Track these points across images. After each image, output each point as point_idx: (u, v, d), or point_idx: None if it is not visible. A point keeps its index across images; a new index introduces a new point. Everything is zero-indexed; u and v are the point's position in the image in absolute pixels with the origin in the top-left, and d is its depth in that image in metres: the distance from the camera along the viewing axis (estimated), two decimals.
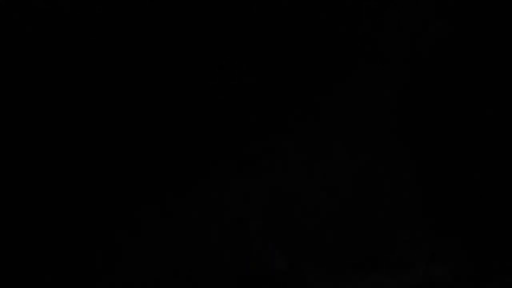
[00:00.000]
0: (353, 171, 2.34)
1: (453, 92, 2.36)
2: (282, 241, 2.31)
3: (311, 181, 2.33)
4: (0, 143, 2.29)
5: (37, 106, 2.29)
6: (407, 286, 2.30)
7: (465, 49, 2.39)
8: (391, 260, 2.31)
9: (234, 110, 2.33)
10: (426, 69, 2.37)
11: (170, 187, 2.31)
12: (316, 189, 2.32)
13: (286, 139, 2.35)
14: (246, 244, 2.29)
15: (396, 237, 2.31)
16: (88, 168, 2.30)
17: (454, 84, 2.37)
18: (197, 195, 2.31)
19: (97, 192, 2.29)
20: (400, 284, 2.30)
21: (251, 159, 2.32)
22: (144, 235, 2.28)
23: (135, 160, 2.31)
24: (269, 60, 2.36)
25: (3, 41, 2.30)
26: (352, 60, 2.37)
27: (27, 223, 2.26)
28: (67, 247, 2.26)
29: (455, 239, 2.31)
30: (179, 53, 2.35)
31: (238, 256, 2.29)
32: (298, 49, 2.36)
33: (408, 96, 2.37)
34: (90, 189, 2.29)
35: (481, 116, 2.35)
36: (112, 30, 2.33)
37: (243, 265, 2.29)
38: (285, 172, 2.33)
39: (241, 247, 2.29)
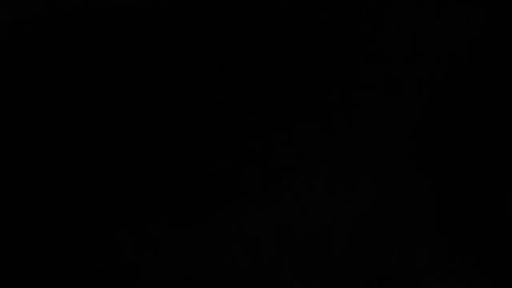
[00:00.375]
0: (360, 184, 2.34)
1: (458, 95, 2.36)
2: (295, 262, 2.29)
3: (322, 200, 2.31)
4: (0, 143, 2.29)
5: (38, 106, 2.29)
6: None
7: (469, 49, 2.38)
8: (406, 281, 2.29)
9: (235, 111, 2.33)
10: (427, 69, 2.37)
11: (172, 196, 2.30)
12: (328, 208, 2.30)
13: (286, 144, 2.35)
14: (258, 265, 2.27)
15: (410, 257, 2.29)
16: (87, 172, 2.30)
17: (460, 88, 2.36)
18: (203, 214, 2.29)
19: (97, 194, 2.29)
20: None
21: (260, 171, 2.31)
22: (148, 244, 2.28)
23: (136, 166, 2.31)
24: (269, 60, 2.36)
25: (2, 41, 2.30)
26: (352, 60, 2.37)
27: (27, 223, 2.26)
28: (68, 248, 2.26)
29: (471, 258, 2.29)
30: (179, 53, 2.35)
31: (247, 275, 2.27)
32: (298, 49, 2.36)
33: (409, 96, 2.36)
34: (92, 191, 2.29)
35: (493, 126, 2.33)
36: (111, 30, 2.33)
37: (254, 285, 2.27)
38: (295, 190, 2.31)
39: (252, 267, 2.27)
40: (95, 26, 2.34)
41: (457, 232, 2.26)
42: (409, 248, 2.24)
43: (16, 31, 2.32)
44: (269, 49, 2.35)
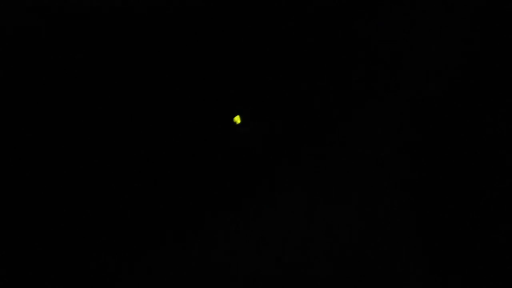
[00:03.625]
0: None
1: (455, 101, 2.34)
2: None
3: (302, 218, 2.29)
4: (15, 152, 2.31)
5: (35, 114, 2.31)
6: None
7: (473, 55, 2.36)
8: None
9: (232, 111, 2.33)
10: (425, 70, 2.35)
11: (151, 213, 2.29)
12: (307, 228, 2.28)
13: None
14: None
15: (394, 278, 2.27)
16: (85, 171, 2.32)
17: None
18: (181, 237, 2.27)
19: (96, 198, 2.31)
20: None
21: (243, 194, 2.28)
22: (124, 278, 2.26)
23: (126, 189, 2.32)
24: (269, 62, 2.35)
25: (5, 44, 2.32)
26: (351, 60, 2.35)
27: (30, 237, 2.29)
28: (64, 248, 2.29)
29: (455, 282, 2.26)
30: (180, 55, 2.35)
31: None
32: (298, 50, 2.35)
33: (408, 97, 2.35)
34: (91, 193, 2.31)
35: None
36: (111, 31, 2.33)
37: None
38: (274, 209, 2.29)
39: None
40: (95, 27, 2.35)
41: (440, 257, 2.23)
42: (392, 270, 2.21)
43: (16, 37, 2.33)
44: (262, 50, 2.34)
